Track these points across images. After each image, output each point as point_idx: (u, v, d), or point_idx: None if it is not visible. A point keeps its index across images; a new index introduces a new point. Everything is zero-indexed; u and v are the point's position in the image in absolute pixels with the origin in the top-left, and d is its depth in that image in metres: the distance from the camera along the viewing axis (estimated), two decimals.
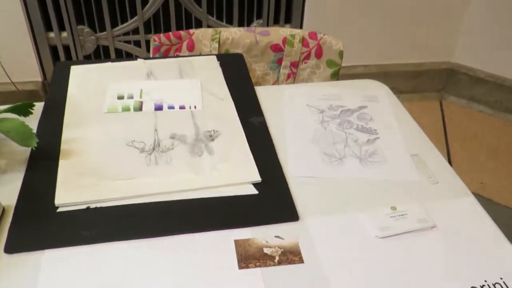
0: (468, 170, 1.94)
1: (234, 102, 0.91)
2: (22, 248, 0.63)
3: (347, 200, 0.73)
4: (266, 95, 0.96)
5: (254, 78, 1.12)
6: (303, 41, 1.11)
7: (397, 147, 0.84)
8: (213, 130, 0.83)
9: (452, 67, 2.23)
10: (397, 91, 2.33)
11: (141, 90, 0.92)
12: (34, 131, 0.81)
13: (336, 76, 1.13)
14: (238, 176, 0.74)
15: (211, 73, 0.99)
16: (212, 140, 0.81)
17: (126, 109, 0.87)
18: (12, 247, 0.63)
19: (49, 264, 0.61)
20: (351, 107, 0.94)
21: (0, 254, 0.62)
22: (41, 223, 0.66)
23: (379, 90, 0.99)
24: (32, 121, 0.82)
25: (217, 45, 1.11)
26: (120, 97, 0.90)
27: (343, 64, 1.14)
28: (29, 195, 0.70)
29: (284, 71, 1.12)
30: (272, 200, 0.71)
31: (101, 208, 0.68)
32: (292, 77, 1.13)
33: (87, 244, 0.64)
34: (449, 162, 2.01)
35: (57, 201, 0.68)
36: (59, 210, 0.68)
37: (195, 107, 0.88)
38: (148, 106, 0.88)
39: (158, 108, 0.88)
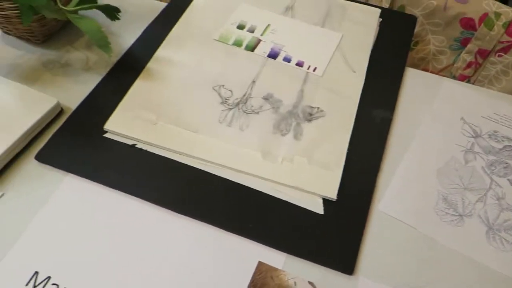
0: None
1: (367, 81, 0.69)
2: (50, 162, 0.58)
3: (425, 274, 0.51)
4: (417, 82, 0.72)
5: (422, 52, 0.86)
6: (509, 27, 0.79)
7: None
8: (317, 108, 0.65)
9: None
10: None
11: (268, 25, 0.76)
12: (138, 34, 0.74)
13: None
14: (311, 181, 0.57)
15: (361, 30, 0.77)
16: (309, 120, 0.64)
17: (237, 43, 0.73)
18: (42, 157, 0.58)
19: (66, 189, 0.56)
20: None
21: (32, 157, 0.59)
22: (81, 143, 0.60)
23: None
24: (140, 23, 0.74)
25: None
26: (240, 27, 0.75)
27: None
28: (88, 108, 0.64)
29: (466, 57, 0.83)
30: (334, 232, 0.54)
31: (145, 152, 0.59)
32: (473, 68, 0.83)
33: (109, 187, 0.56)
34: None
35: (106, 125, 0.61)
36: (105, 135, 0.61)
37: (314, 69, 0.70)
38: (263, 48, 0.72)
39: (273, 55, 0.72)
